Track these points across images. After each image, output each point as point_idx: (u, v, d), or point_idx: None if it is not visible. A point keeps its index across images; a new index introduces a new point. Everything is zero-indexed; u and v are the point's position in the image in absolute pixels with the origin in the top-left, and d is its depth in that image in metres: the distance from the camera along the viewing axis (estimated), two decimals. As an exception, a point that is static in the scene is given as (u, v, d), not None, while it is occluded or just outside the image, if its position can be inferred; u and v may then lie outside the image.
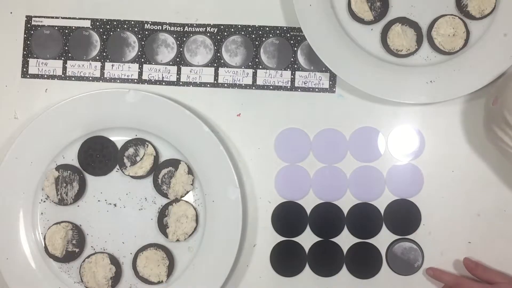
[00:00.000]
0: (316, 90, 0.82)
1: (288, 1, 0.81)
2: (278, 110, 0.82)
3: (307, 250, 0.80)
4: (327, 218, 0.80)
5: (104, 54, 0.84)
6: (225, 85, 0.83)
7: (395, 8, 0.81)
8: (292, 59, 0.82)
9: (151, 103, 0.80)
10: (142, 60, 0.83)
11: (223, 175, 0.78)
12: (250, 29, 0.83)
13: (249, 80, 0.83)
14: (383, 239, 0.80)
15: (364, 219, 0.80)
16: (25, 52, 0.84)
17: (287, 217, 0.81)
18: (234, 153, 0.82)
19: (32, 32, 0.84)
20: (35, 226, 0.81)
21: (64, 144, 0.81)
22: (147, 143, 0.81)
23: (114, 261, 0.80)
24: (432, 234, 0.80)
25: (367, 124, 0.81)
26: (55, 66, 0.84)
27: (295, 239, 0.80)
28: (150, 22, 0.84)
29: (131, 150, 0.81)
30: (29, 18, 0.84)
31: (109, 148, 0.81)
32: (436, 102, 0.78)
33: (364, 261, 0.80)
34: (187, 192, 0.80)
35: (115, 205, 0.81)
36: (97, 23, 0.84)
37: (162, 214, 0.80)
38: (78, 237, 0.80)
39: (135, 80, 0.83)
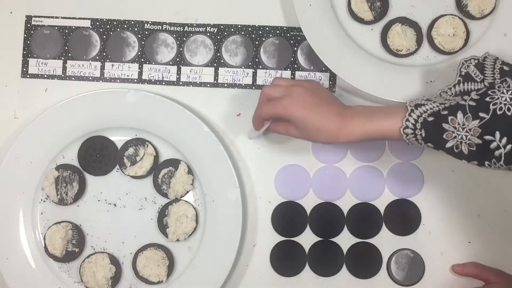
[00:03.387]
0: (316, 90, 0.82)
1: (288, 1, 0.81)
2: (278, 110, 0.82)
3: (307, 250, 0.80)
4: (327, 218, 0.80)
5: (104, 54, 0.84)
6: (225, 85, 0.83)
7: (395, 8, 0.81)
8: (292, 59, 0.82)
9: (151, 103, 0.80)
10: (142, 60, 0.83)
11: (223, 175, 0.78)
12: (250, 29, 0.83)
13: (249, 80, 0.83)
14: (383, 239, 0.80)
15: (364, 219, 0.80)
16: (25, 52, 0.84)
17: (287, 217, 0.80)
18: (234, 153, 0.82)
19: (32, 32, 0.84)
20: (35, 226, 0.81)
21: (64, 144, 0.81)
22: (147, 143, 0.80)
23: (114, 261, 0.80)
24: (432, 234, 0.80)
25: (367, 124, 0.81)
26: (55, 66, 0.84)
27: (295, 239, 0.80)
28: (150, 22, 0.84)
29: (131, 150, 0.81)
30: (29, 18, 0.84)
31: (109, 148, 0.81)
32: (436, 102, 0.78)
33: (364, 261, 0.80)
34: (187, 192, 0.80)
35: (115, 205, 0.81)
36: (97, 23, 0.84)
37: (162, 214, 0.80)
38: (78, 237, 0.80)
39: (135, 80, 0.83)
